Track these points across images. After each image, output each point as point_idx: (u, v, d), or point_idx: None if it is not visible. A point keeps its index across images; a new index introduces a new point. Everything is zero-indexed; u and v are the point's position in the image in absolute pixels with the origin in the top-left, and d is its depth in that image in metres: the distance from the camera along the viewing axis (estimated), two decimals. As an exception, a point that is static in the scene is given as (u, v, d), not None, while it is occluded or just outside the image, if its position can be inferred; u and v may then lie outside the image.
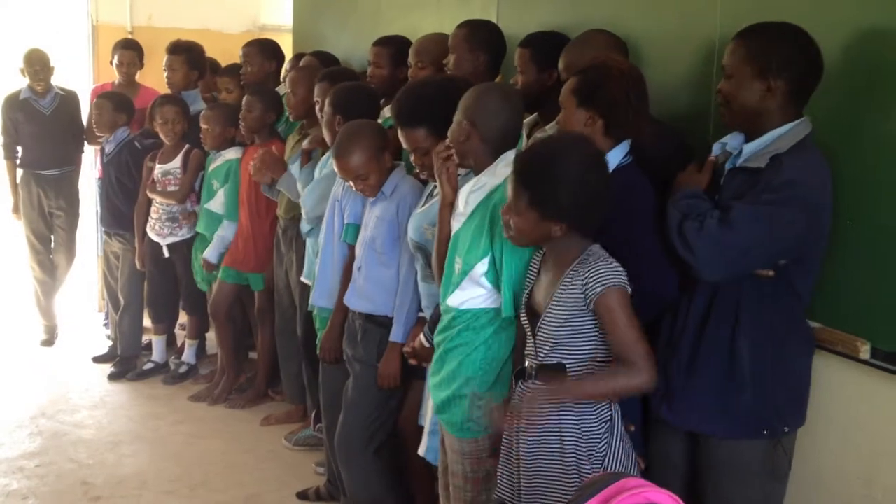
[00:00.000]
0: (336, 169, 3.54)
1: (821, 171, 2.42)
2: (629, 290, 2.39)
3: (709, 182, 2.59)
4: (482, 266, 2.72)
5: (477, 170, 2.84)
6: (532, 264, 2.61)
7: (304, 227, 4.16)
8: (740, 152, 2.51)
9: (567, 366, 2.45)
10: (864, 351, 2.51)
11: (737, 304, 2.49)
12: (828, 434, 2.65)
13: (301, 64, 4.95)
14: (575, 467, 2.42)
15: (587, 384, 2.40)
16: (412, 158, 3.16)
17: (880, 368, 2.50)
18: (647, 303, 2.52)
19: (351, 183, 3.52)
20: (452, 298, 2.79)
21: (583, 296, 2.38)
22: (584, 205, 2.40)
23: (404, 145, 3.14)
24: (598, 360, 2.45)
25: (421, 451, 3.21)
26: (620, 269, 2.39)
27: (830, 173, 2.43)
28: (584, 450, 2.42)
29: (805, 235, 2.41)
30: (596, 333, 2.43)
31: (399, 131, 3.12)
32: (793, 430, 2.58)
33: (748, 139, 2.53)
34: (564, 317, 2.42)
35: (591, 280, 2.37)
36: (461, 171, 2.95)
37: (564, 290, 2.42)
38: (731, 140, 2.58)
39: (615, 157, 2.66)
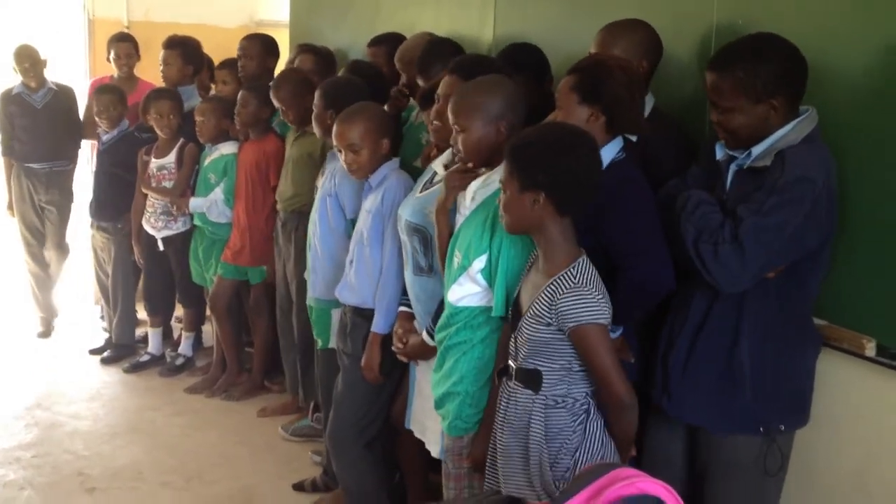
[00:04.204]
0: (334, 133, 3.53)
1: (823, 163, 2.39)
2: (605, 321, 2.38)
3: (714, 179, 2.60)
4: (479, 263, 2.71)
5: (490, 167, 2.81)
6: (528, 263, 2.61)
7: None
8: (748, 154, 2.48)
9: (543, 373, 2.46)
10: (870, 348, 2.52)
11: (740, 299, 2.49)
12: (832, 431, 2.65)
13: (293, 66, 4.92)
14: (537, 460, 2.44)
15: (619, 433, 2.48)
16: (438, 106, 3.13)
17: (886, 366, 2.49)
18: (643, 296, 2.55)
19: (342, 153, 3.52)
20: (451, 294, 2.80)
21: (553, 316, 2.38)
22: (560, 174, 2.38)
23: (441, 89, 3.10)
24: (574, 370, 2.45)
25: (435, 453, 3.18)
26: (595, 300, 2.37)
27: (835, 165, 2.41)
28: (550, 448, 2.44)
29: (813, 231, 2.40)
30: (571, 346, 2.43)
31: (449, 77, 3.08)
32: (790, 430, 2.59)
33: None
34: (539, 325, 2.42)
35: (566, 311, 2.36)
36: (439, 161, 3.02)
37: (540, 300, 2.42)
38: None
39: (609, 152, 2.66)
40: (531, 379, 2.47)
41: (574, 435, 2.44)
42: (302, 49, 5.17)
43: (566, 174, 2.39)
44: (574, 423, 2.45)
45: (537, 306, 2.42)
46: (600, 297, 2.39)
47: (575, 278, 2.39)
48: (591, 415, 2.47)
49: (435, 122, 3.14)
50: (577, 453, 2.43)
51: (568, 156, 2.39)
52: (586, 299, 2.36)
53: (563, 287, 2.38)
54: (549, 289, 2.40)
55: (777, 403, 2.53)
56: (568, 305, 2.36)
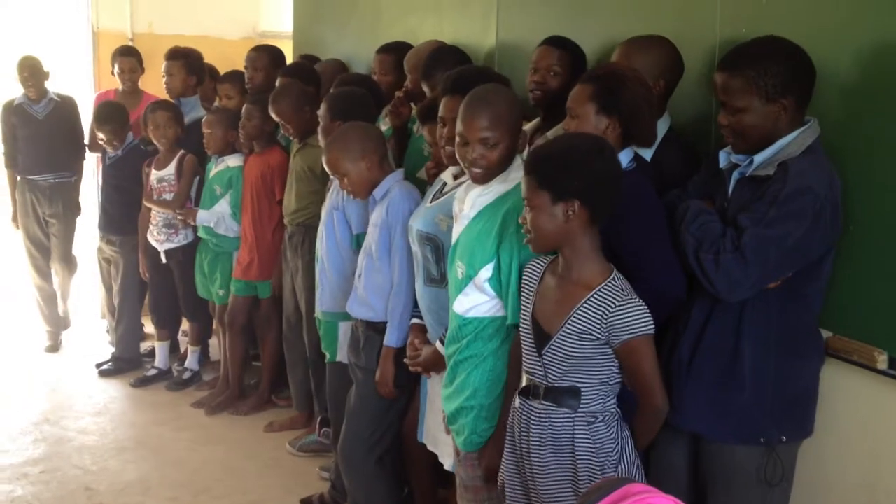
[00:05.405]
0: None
1: (825, 175, 2.38)
2: (653, 331, 2.39)
3: (716, 187, 2.59)
4: (486, 271, 2.69)
5: (489, 178, 2.76)
6: (531, 275, 2.57)
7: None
8: (751, 161, 2.47)
9: (581, 390, 2.44)
10: (882, 361, 2.47)
11: (740, 307, 2.47)
12: (842, 444, 2.61)
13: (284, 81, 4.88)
14: (587, 476, 2.42)
15: (643, 439, 2.53)
16: (447, 131, 3.03)
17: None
18: (657, 305, 2.51)
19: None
20: (457, 304, 2.77)
21: (603, 330, 2.36)
22: (595, 180, 2.37)
23: (445, 112, 3.03)
24: (611, 383, 2.45)
25: (448, 466, 3.16)
26: (646, 310, 2.37)
27: (837, 176, 2.39)
28: (597, 463, 2.42)
29: (815, 243, 2.39)
30: (612, 359, 2.42)
31: (450, 99, 3.01)
32: (792, 441, 2.56)
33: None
34: (581, 342, 2.40)
35: (620, 325, 2.35)
36: (449, 171, 3.03)
37: (584, 315, 2.39)
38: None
39: (621, 161, 2.62)
40: (569, 396, 2.45)
41: (616, 446, 2.45)
42: (282, 73, 5.10)
43: (601, 179, 2.38)
44: (614, 435, 2.45)
45: (579, 323, 2.39)
46: (645, 307, 2.38)
47: (623, 291, 2.38)
48: (621, 425, 2.48)
49: (447, 147, 3.03)
50: (619, 464, 2.44)
51: (600, 161, 2.39)
52: (639, 311, 2.36)
53: (613, 300, 2.36)
54: (593, 303, 2.38)
55: (778, 413, 2.51)
56: (625, 318, 2.35)
